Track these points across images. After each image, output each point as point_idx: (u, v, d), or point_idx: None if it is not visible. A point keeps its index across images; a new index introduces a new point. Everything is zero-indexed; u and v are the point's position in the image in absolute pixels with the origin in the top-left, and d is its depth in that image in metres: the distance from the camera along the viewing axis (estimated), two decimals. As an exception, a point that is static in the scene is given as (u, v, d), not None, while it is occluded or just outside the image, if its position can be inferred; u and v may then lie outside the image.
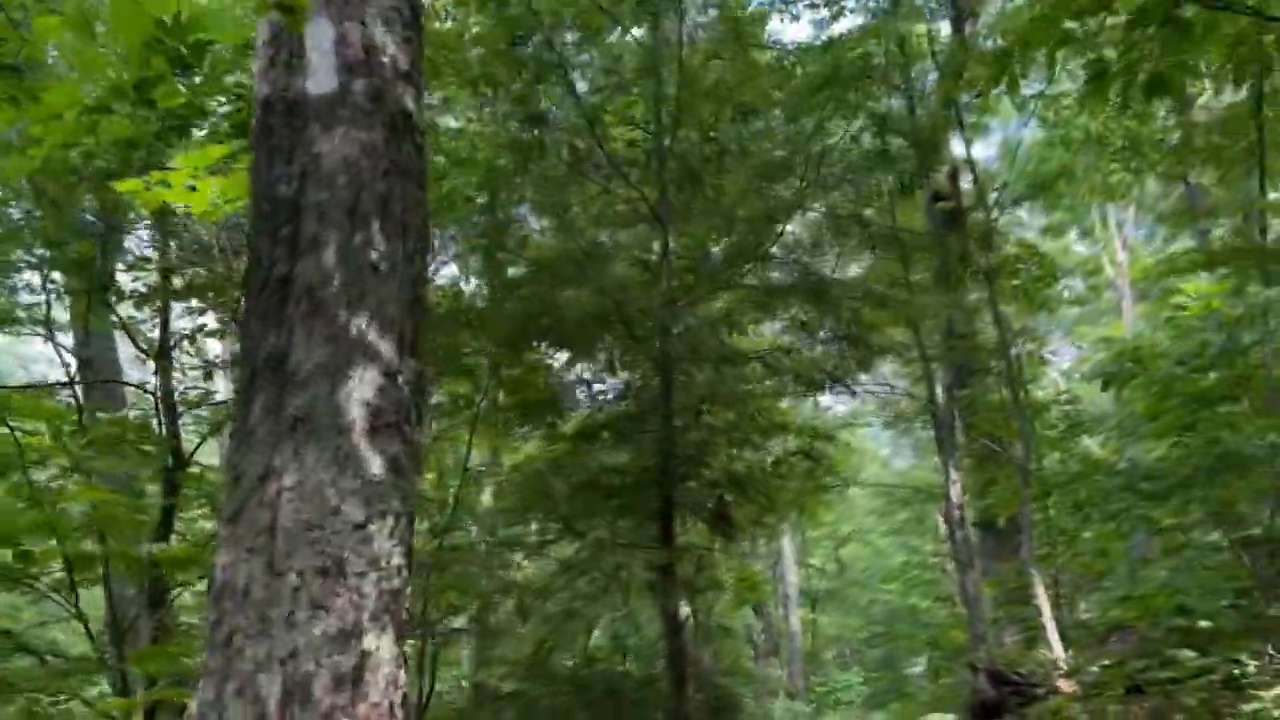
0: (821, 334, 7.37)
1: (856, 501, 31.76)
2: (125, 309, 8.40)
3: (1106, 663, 6.98)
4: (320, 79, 3.00)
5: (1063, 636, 9.73)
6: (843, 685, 22.75)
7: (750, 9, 10.83)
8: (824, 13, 12.25)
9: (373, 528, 2.79)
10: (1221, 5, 5.16)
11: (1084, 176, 13.49)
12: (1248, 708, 4.37)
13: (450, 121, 9.85)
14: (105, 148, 5.24)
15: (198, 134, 5.56)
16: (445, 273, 9.61)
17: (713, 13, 8.12)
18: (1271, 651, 4.92)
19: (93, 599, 7.15)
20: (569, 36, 8.01)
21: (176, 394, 8.26)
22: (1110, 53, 5.72)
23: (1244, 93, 13.37)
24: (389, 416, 2.86)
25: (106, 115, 4.84)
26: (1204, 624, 6.13)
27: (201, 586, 7.05)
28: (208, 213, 3.49)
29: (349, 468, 2.77)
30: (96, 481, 6.64)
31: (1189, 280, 7.75)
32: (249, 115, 4.54)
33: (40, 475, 6.26)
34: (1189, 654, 6.24)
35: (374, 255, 2.89)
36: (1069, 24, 5.58)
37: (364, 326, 2.84)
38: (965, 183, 14.27)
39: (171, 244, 8.05)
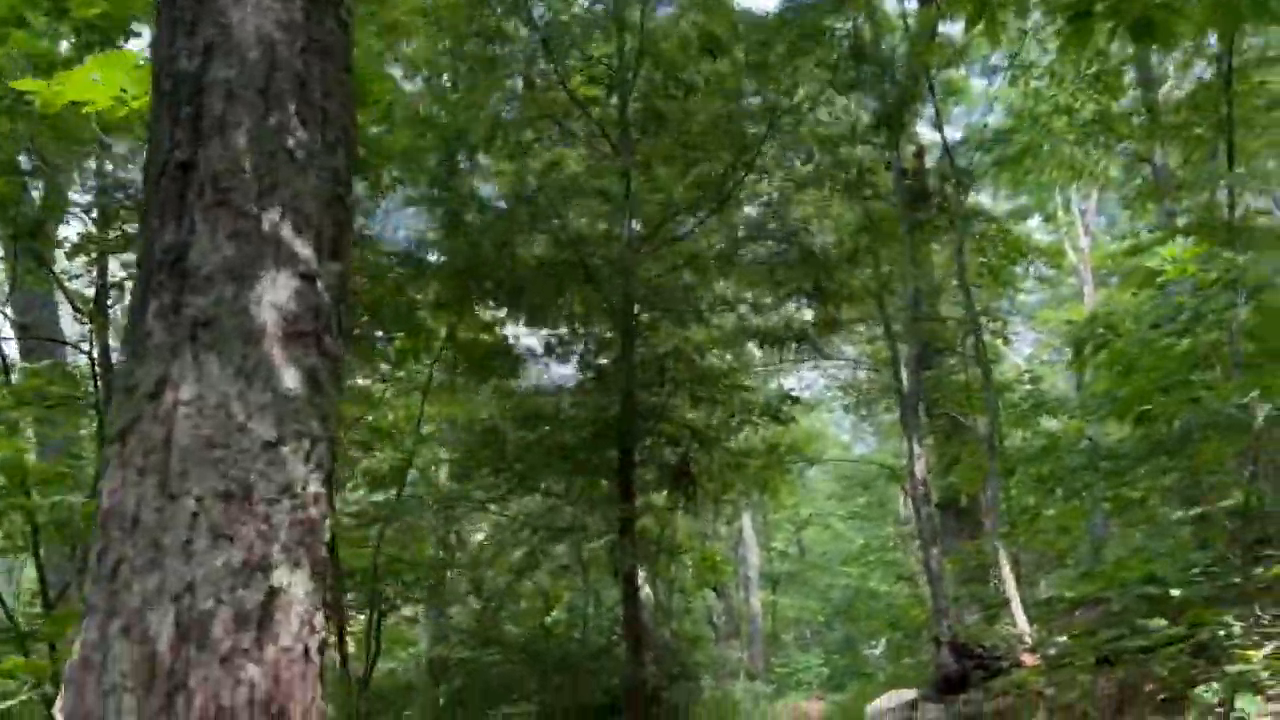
0: (792, 284, 7.03)
1: (817, 485, 31.81)
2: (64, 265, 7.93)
3: (1076, 633, 6.79)
4: (233, -56, 2.65)
5: (1026, 612, 9.61)
6: (803, 666, 22.67)
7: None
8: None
9: (285, 449, 2.46)
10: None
11: (1051, 152, 13.32)
12: (1232, 669, 4.18)
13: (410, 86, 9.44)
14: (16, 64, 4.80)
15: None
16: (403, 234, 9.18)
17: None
18: (1259, 613, 4.74)
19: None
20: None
21: (115, 352, 7.82)
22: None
23: (1209, 72, 13.30)
24: (305, 324, 2.52)
25: (16, 28, 4.44)
26: (1175, 593, 5.94)
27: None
28: (113, 109, 3.11)
29: (258, 380, 2.44)
30: (22, 440, 6.22)
31: (1165, 247, 7.54)
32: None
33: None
34: (1160, 623, 6.06)
35: (290, 142, 2.55)
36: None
37: (277, 221, 2.51)
38: (931, 162, 14.13)
39: (109, 189, 7.60)
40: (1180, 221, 14.75)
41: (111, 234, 7.76)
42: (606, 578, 9.86)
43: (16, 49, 4.48)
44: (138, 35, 5.09)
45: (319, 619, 2.53)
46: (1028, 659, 8.55)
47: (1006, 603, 10.17)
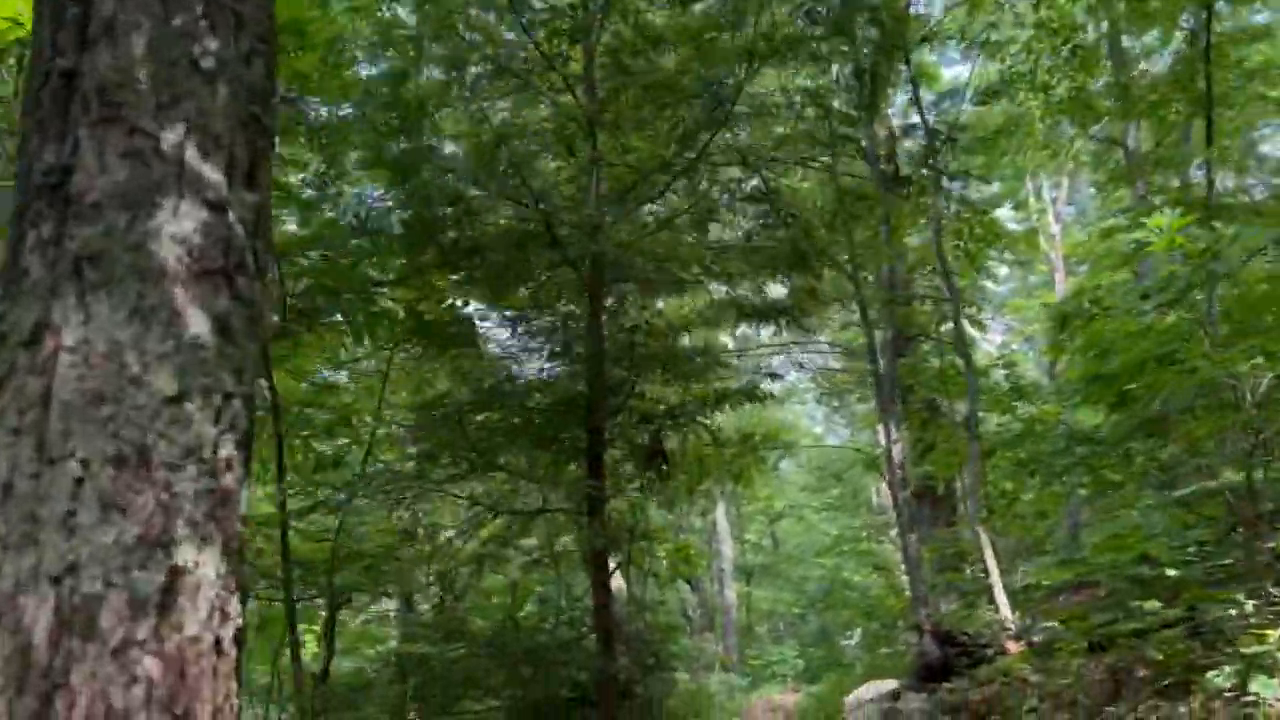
0: (769, 246, 6.66)
1: (791, 477, 31.67)
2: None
3: (1065, 618, 6.54)
4: None
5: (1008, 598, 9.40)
6: (778, 659, 22.46)
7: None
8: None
9: (190, 406, 2.10)
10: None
11: (1026, 130, 13.14)
12: (1249, 650, 3.91)
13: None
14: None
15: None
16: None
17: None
18: (1272, 590, 4.49)
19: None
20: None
21: None
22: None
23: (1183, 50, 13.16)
24: (214, 261, 2.17)
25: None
26: (1171, 573, 5.69)
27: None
28: (6, 31, 2.74)
29: (156, 325, 2.08)
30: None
31: (1151, 218, 7.30)
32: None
33: None
34: (1154, 605, 5.81)
35: (196, 49, 2.19)
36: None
37: (179, 141, 2.14)
38: (906, 143, 13.93)
39: None
40: (1156, 202, 14.64)
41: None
42: (578, 573, 9.53)
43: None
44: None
45: (234, 605, 2.17)
46: (1012, 646, 8.32)
47: (986, 589, 9.96)
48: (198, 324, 2.13)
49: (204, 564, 2.09)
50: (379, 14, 7.03)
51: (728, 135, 6.55)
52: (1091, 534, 12.96)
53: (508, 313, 7.33)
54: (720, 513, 25.12)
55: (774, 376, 6.81)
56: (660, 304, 7.57)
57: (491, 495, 6.69)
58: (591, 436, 6.11)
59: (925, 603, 10.03)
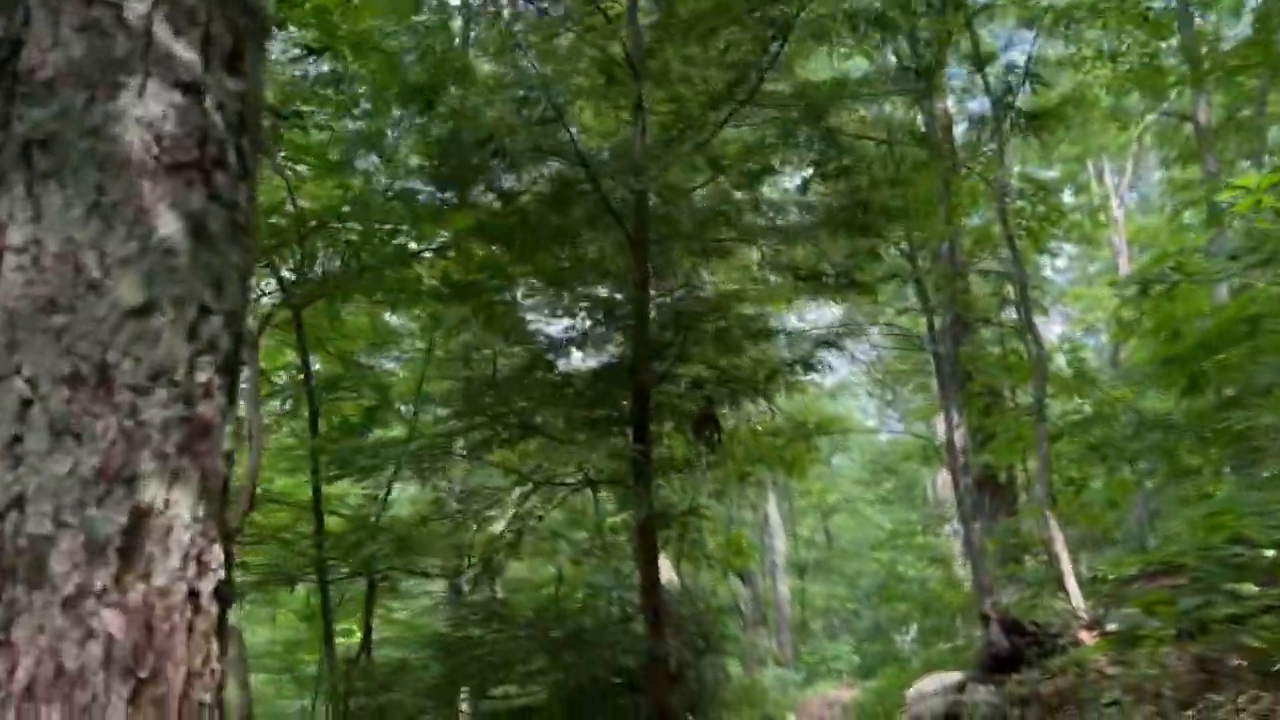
0: (830, 204, 6.22)
1: (844, 471, 31.15)
2: None
3: (1149, 603, 6.08)
4: None
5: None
6: (833, 654, 22.00)
7: None
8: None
9: (159, 319, 1.79)
10: None
11: (1093, 102, 12.54)
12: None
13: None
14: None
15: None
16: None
17: None
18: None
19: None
20: None
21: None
22: None
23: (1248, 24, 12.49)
24: (188, 153, 1.86)
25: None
26: (1269, 554, 5.22)
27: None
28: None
29: (119, 223, 1.78)
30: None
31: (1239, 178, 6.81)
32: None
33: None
34: (1252, 588, 5.34)
35: (165, -96, 1.89)
36: None
37: (146, 12, 1.85)
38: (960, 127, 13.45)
39: None
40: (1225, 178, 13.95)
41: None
42: (627, 562, 9.23)
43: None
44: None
45: (214, 553, 1.86)
46: (1085, 635, 7.85)
47: (1054, 578, 9.47)
48: (168, 224, 1.82)
49: (176, 504, 1.78)
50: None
51: (781, 83, 6.14)
52: (1170, 521, 12.37)
53: (550, 290, 6.95)
54: (772, 506, 24.73)
55: (831, 345, 6.41)
56: (708, 274, 7.22)
57: (529, 466, 6.38)
58: (637, 400, 5.75)
59: (990, 592, 9.56)
